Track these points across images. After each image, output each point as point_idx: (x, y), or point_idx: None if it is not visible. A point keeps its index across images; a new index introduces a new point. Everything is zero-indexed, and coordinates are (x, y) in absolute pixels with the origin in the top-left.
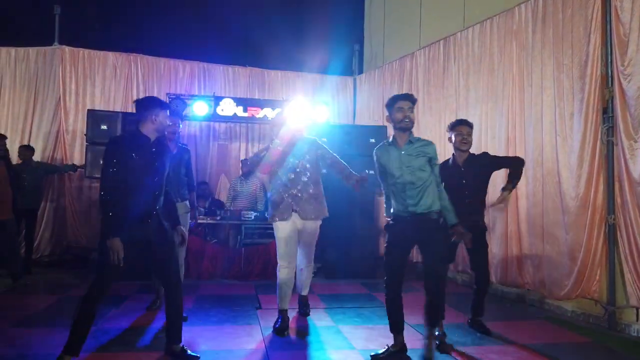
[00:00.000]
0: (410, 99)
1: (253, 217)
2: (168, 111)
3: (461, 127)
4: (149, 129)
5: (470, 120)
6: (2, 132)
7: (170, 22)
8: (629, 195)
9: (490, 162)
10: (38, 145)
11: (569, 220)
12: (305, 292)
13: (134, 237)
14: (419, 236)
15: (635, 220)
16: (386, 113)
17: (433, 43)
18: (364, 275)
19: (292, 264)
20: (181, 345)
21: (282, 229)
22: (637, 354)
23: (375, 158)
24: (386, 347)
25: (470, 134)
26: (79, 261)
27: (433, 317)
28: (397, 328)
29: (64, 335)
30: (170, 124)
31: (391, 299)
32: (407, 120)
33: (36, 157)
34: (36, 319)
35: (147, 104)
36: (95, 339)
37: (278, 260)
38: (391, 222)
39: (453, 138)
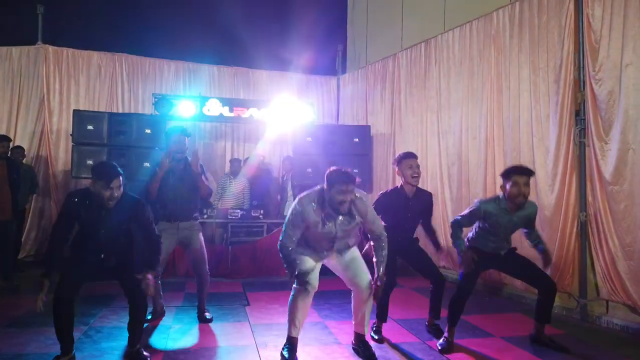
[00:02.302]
0: (527, 173)
1: (240, 216)
2: (108, 182)
3: (411, 160)
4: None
5: (451, 121)
6: None
7: (154, 21)
8: (600, 194)
9: (427, 206)
10: (23, 145)
11: (545, 217)
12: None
13: (84, 275)
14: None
15: (606, 217)
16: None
17: (415, 45)
18: None
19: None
20: (138, 346)
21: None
22: (607, 344)
23: (481, 210)
24: (445, 339)
25: (419, 167)
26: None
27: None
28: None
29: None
30: (108, 195)
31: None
32: (521, 197)
33: None
34: (29, 319)
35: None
36: (89, 337)
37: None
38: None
39: (403, 172)
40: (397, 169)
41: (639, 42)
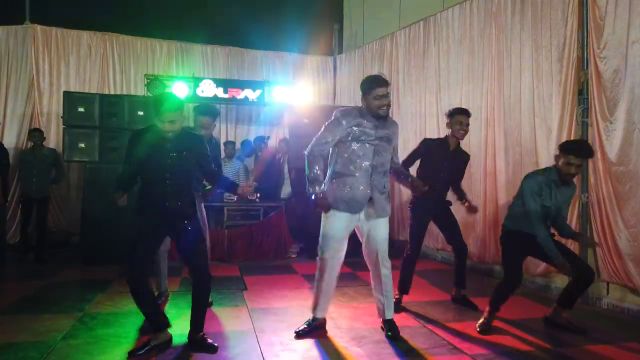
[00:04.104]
0: (586, 155)
1: (236, 199)
2: (159, 113)
3: (463, 117)
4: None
5: (450, 101)
6: None
7: (145, 0)
8: (603, 175)
9: (463, 164)
10: (13, 128)
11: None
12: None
13: (146, 220)
14: None
15: (609, 198)
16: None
17: (413, 24)
18: (350, 253)
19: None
20: (201, 334)
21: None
22: (607, 326)
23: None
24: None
25: (468, 125)
26: (58, 245)
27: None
28: None
29: (52, 322)
30: (168, 128)
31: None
32: (571, 176)
33: (11, 140)
34: (23, 305)
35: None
36: (84, 324)
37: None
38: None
39: (452, 125)
40: (447, 121)
41: None
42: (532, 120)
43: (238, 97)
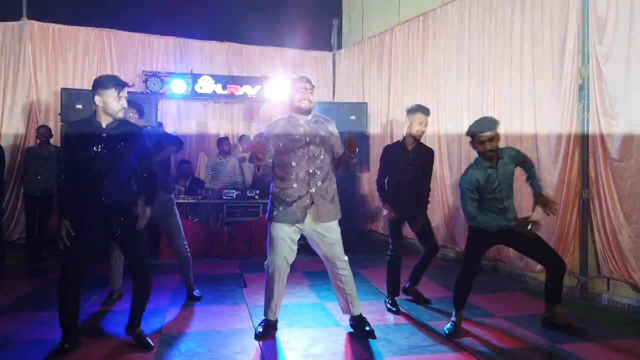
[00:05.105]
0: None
1: (235, 196)
2: (119, 90)
3: (423, 117)
4: (98, 113)
5: (450, 98)
6: None
7: None
8: (604, 171)
9: (429, 161)
10: (11, 125)
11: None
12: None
13: (84, 221)
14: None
15: (610, 194)
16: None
17: (412, 19)
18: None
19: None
20: (140, 329)
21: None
22: (607, 322)
23: (471, 183)
24: (452, 323)
25: (427, 125)
26: (56, 242)
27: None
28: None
29: (51, 319)
30: (119, 107)
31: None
32: (489, 152)
33: (9, 137)
34: (22, 303)
35: (93, 85)
36: (83, 322)
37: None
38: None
39: (412, 123)
40: (407, 118)
41: None
42: (533, 116)
43: (237, 93)
